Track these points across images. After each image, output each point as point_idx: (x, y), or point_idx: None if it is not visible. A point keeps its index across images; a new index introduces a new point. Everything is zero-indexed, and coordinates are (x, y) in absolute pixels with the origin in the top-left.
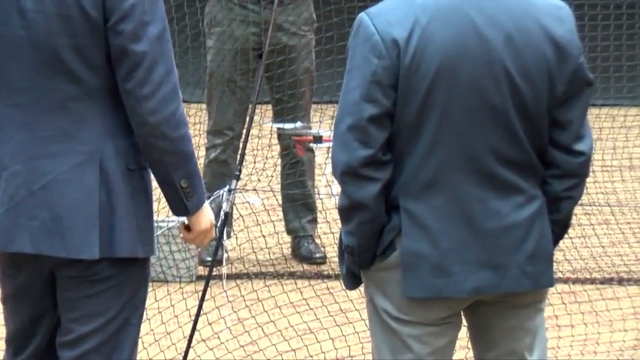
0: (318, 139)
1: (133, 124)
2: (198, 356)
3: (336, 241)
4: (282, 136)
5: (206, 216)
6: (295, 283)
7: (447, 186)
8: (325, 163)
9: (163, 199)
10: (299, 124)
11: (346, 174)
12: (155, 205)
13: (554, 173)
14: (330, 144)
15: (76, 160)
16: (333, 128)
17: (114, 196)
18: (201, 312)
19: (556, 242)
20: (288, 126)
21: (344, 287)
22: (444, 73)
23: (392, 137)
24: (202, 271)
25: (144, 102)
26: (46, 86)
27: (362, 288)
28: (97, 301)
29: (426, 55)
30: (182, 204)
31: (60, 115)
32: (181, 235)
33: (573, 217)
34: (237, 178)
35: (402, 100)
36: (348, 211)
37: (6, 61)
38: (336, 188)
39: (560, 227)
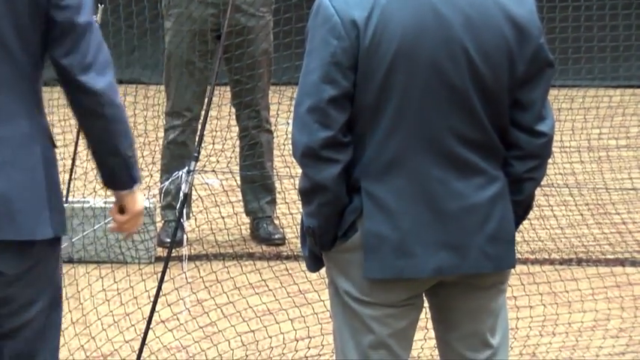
0: None
1: (77, 98)
2: (158, 337)
3: (296, 223)
4: (240, 117)
5: (141, 195)
6: (254, 265)
7: (408, 167)
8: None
9: None
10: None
11: (306, 155)
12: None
13: (516, 154)
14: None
15: (19, 140)
16: (292, 110)
17: (51, 174)
18: (160, 293)
19: (518, 224)
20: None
21: (305, 269)
22: (403, 54)
23: (352, 118)
24: (161, 252)
25: (88, 71)
26: None
27: (323, 270)
28: (33, 288)
29: (385, 36)
30: (128, 174)
31: (1, 96)
32: (112, 222)
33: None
34: (196, 160)
35: (362, 81)
36: (308, 192)
37: None
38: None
39: (522, 208)
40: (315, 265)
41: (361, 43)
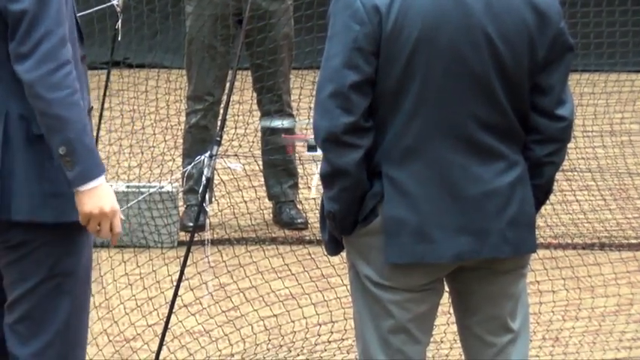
0: (313, 148)
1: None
2: (180, 322)
3: (318, 207)
4: (262, 101)
5: (94, 198)
6: (277, 249)
7: (429, 152)
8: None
9: (145, 165)
10: (287, 121)
11: (328, 141)
12: (136, 171)
13: (536, 138)
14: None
15: None
16: (314, 95)
17: (14, 160)
18: (183, 278)
19: (538, 208)
20: (275, 123)
21: (326, 253)
22: (424, 40)
23: (374, 104)
24: (184, 236)
25: (22, 60)
26: None
27: (344, 254)
28: (19, 267)
29: (407, 21)
30: (66, 173)
31: None
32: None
33: (554, 183)
34: (218, 144)
35: (384, 66)
36: (329, 177)
37: None
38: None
39: (542, 192)
40: (334, 249)
41: (383, 29)
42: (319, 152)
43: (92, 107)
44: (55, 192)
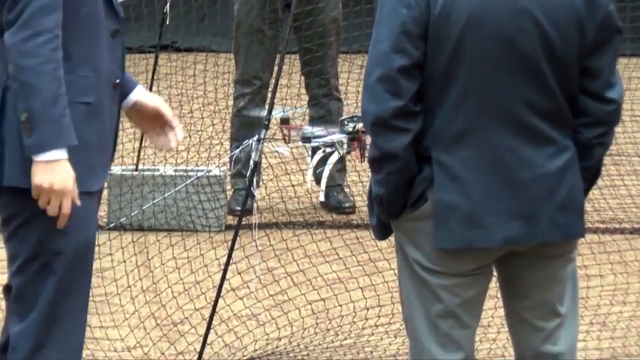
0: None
1: None
2: (228, 305)
3: (366, 191)
4: (310, 85)
5: (47, 171)
6: (324, 233)
7: (479, 136)
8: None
9: (193, 149)
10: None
11: (376, 125)
12: (184, 155)
13: (585, 121)
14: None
15: None
16: (363, 79)
17: (6, 128)
18: (231, 261)
19: (587, 191)
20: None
21: (373, 237)
22: (473, 23)
23: (423, 88)
24: (232, 220)
25: (8, 27)
26: None
27: (392, 238)
28: (10, 244)
29: (455, 5)
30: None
31: None
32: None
33: (602, 168)
34: (266, 128)
35: (432, 50)
36: (378, 161)
37: None
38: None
39: (591, 174)
40: (382, 233)
41: (431, 13)
42: (314, 144)
43: (119, 82)
44: (15, 154)
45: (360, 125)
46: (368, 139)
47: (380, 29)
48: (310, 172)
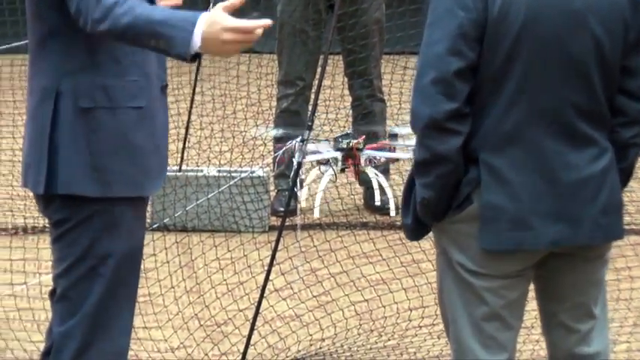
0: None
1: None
2: (271, 306)
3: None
4: (353, 86)
5: (213, 45)
6: (368, 234)
7: (526, 139)
8: (397, 114)
9: (237, 149)
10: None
11: (430, 127)
12: (227, 156)
13: (622, 121)
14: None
15: (39, 96)
16: (413, 81)
17: (61, 135)
18: (274, 262)
19: (620, 191)
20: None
21: (406, 237)
22: (528, 25)
23: (474, 89)
24: (275, 221)
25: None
26: (31, 27)
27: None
28: (58, 245)
29: (512, 7)
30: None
31: (38, 54)
32: None
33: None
34: (310, 129)
35: (487, 52)
36: (427, 164)
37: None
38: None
39: (625, 175)
40: (416, 234)
41: (489, 15)
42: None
43: (166, 85)
44: (98, 165)
45: (354, 142)
46: (362, 157)
47: (433, 30)
48: (305, 190)
